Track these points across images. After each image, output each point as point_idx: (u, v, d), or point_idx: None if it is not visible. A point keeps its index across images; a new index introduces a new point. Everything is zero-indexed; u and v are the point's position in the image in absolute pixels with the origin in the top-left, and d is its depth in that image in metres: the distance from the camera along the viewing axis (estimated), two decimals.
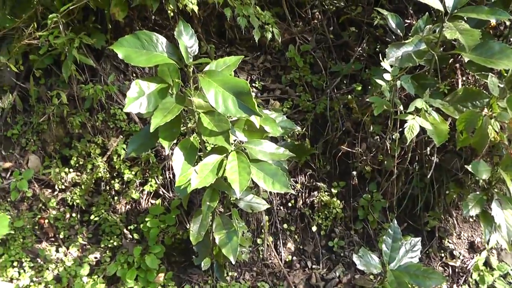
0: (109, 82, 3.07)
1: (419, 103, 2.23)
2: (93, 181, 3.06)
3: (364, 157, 2.98)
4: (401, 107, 2.39)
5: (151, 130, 1.85)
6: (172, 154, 2.03)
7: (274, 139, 2.86)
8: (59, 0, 2.99)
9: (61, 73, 3.02)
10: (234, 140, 2.17)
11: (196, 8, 2.90)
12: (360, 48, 3.38)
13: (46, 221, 3.01)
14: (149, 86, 1.97)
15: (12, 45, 3.20)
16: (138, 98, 1.93)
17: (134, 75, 3.33)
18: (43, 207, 3.08)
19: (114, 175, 3.06)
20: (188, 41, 2.01)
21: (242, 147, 2.09)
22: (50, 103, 3.14)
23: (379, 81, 2.28)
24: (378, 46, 3.44)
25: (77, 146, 3.10)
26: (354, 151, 3.02)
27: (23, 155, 3.29)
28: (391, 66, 2.33)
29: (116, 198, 3.04)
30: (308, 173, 3.14)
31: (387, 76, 2.27)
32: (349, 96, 3.16)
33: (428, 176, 2.86)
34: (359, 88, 3.21)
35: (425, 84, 2.49)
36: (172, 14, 3.02)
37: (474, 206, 2.47)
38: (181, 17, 3.21)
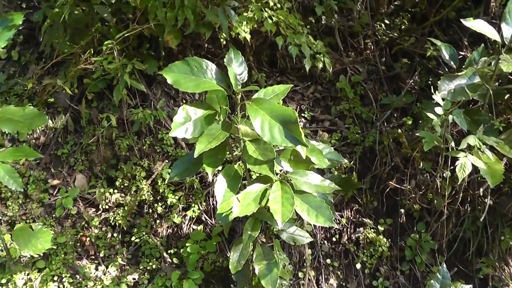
0: (159, 107, 3.12)
1: (471, 140, 2.10)
2: (137, 203, 3.08)
3: (413, 195, 2.84)
4: (453, 144, 2.27)
5: (195, 155, 1.84)
6: (215, 180, 2.00)
7: (320, 171, 2.78)
8: (115, 28, 3.11)
9: (113, 97, 3.10)
10: (280, 170, 2.12)
11: (248, 37, 2.93)
12: (412, 81, 3.29)
13: (88, 239, 3.04)
14: (196, 112, 1.97)
15: (69, 69, 3.35)
16: (184, 123, 1.92)
17: (184, 101, 3.38)
18: (86, 225, 3.12)
19: (158, 198, 3.07)
20: (237, 68, 2.01)
21: (287, 178, 2.03)
22: (100, 125, 3.23)
23: (430, 115, 2.18)
24: (430, 79, 3.33)
25: (123, 168, 3.15)
26: (402, 187, 2.89)
27: (71, 173, 3.37)
28: (443, 99, 2.22)
29: (158, 221, 3.04)
30: (354, 208, 3.03)
31: (439, 110, 2.17)
32: (399, 130, 3.06)
33: (481, 219, 2.69)
34: (410, 122, 3.10)
35: (479, 120, 2.36)
36: (224, 42, 3.07)
37: None
38: (233, 45, 3.26)
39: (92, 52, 3.12)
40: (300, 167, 2.10)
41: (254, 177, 2.50)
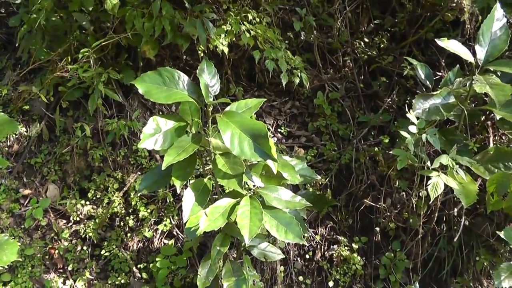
0: (134, 118, 3.07)
1: (444, 159, 2.10)
2: (108, 216, 3.01)
3: (389, 213, 2.83)
4: (428, 163, 2.27)
5: (163, 167, 1.80)
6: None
7: (296, 187, 2.76)
8: (93, 36, 3.07)
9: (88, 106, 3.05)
10: (253, 186, 2.09)
11: (226, 50, 2.92)
12: (389, 99, 3.30)
13: (57, 251, 2.96)
14: (166, 123, 1.94)
15: (46, 76, 3.29)
16: (154, 134, 1.89)
17: (161, 113, 3.34)
18: (56, 237, 3.04)
19: (130, 211, 3.01)
20: (209, 80, 1.99)
21: (257, 193, 2.00)
22: (75, 135, 3.17)
23: (404, 133, 2.17)
24: (408, 98, 3.35)
25: (96, 179, 3.08)
26: (378, 206, 2.88)
27: (43, 183, 3.29)
28: (418, 118, 2.22)
29: (129, 234, 2.97)
30: (329, 225, 3.00)
31: (413, 129, 2.16)
32: (376, 148, 3.06)
33: (456, 239, 2.68)
34: (387, 141, 3.10)
35: (453, 140, 2.37)
36: (202, 54, 3.05)
37: (507, 277, 2.25)
38: (212, 58, 3.24)
39: (70, 60, 3.08)
40: (272, 183, 2.07)
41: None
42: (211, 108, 1.93)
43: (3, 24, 3.78)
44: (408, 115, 2.16)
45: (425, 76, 2.44)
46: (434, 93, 2.27)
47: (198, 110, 2.09)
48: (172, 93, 1.93)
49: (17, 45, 3.36)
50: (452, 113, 2.26)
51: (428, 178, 2.37)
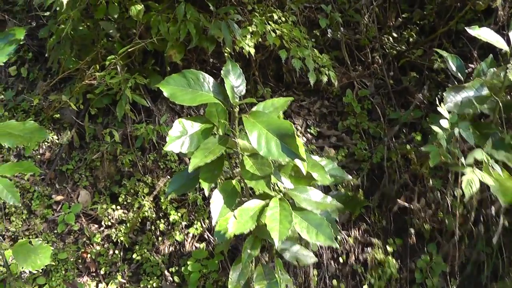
0: (162, 123, 3.08)
1: (479, 154, 2.00)
2: (139, 220, 3.02)
3: (423, 214, 2.73)
4: (462, 159, 2.16)
5: (190, 170, 1.77)
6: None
7: (327, 188, 2.70)
8: (120, 43, 3.10)
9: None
10: (283, 188, 2.04)
11: (253, 51, 2.89)
12: (420, 95, 3.20)
13: (89, 255, 2.99)
14: (193, 126, 1.91)
15: (75, 85, 3.35)
16: (180, 137, 1.87)
17: (188, 116, 3.34)
18: (88, 241, 3.07)
19: (160, 215, 3.01)
20: (235, 80, 1.95)
21: (287, 194, 1.95)
22: (104, 141, 3.20)
23: (436, 128, 2.08)
24: (440, 93, 3.24)
25: (126, 184, 3.10)
26: (412, 206, 2.78)
27: (75, 189, 3.34)
28: (449, 112, 2.12)
29: (160, 238, 2.97)
30: (362, 227, 2.92)
31: (444, 123, 2.07)
32: (408, 146, 2.97)
33: (495, 241, 2.55)
34: (419, 138, 3.00)
35: (488, 134, 2.24)
36: (228, 56, 3.03)
37: None
38: (238, 60, 3.22)
39: (98, 67, 3.12)
40: (301, 183, 2.03)
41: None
42: (237, 109, 1.90)
43: (34, 37, 3.87)
44: (439, 109, 2.07)
45: (457, 68, 2.32)
46: (466, 85, 2.16)
47: (224, 112, 2.06)
48: (197, 95, 1.90)
49: (47, 55, 3.43)
50: (486, 105, 2.15)
51: (463, 175, 2.28)
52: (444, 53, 2.33)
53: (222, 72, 1.96)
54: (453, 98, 2.15)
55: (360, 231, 2.92)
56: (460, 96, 2.16)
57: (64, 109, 3.50)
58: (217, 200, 1.86)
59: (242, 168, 1.87)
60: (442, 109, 2.07)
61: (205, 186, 1.87)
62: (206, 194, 1.86)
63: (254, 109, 2.00)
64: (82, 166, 3.35)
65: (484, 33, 2.10)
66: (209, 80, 1.94)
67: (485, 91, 2.15)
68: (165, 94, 1.90)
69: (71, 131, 3.48)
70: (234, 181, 1.94)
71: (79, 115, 3.45)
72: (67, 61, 3.28)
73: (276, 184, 2.15)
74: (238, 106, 1.90)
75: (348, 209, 2.56)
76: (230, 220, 1.83)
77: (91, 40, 3.31)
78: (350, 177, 2.23)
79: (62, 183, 3.37)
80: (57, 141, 3.49)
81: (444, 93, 2.18)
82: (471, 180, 2.00)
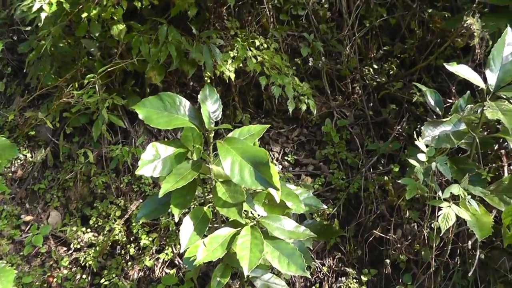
0: (138, 145, 3.03)
1: (455, 189, 1.99)
2: (109, 244, 2.93)
3: (399, 245, 2.70)
4: (440, 193, 2.16)
5: (160, 195, 1.73)
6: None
7: (302, 217, 2.67)
8: (100, 62, 3.07)
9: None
10: (258, 215, 2.01)
11: (233, 76, 2.89)
12: (399, 127, 3.22)
13: (55, 280, 2.88)
14: (166, 150, 1.88)
15: (52, 102, 3.29)
16: (153, 161, 1.83)
17: (165, 139, 3.30)
18: (55, 264, 2.97)
19: (131, 239, 2.94)
20: (211, 105, 1.93)
21: (259, 222, 1.92)
22: (78, 161, 3.13)
23: (413, 162, 2.08)
24: (418, 126, 3.26)
25: (98, 206, 3.03)
26: (388, 237, 2.76)
27: (46, 210, 3.25)
28: (427, 146, 2.13)
29: (130, 263, 2.89)
30: (336, 256, 2.88)
31: (422, 157, 2.07)
32: (386, 177, 2.96)
33: (471, 274, 2.54)
34: (397, 170, 3.00)
35: (465, 169, 2.25)
36: (209, 81, 3.02)
37: None
38: (220, 85, 3.21)
39: (77, 86, 3.07)
40: (275, 212, 1.99)
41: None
42: (212, 134, 1.87)
43: (14, 51, 3.82)
44: (417, 142, 2.08)
45: (435, 102, 2.35)
46: (444, 120, 2.18)
47: (200, 137, 2.03)
48: (173, 119, 1.88)
49: (26, 71, 3.38)
50: (463, 141, 2.16)
51: (440, 209, 2.27)
52: (423, 88, 2.35)
53: (199, 96, 1.94)
54: (431, 132, 2.16)
55: (335, 260, 2.88)
56: (438, 131, 2.17)
57: (40, 126, 3.43)
58: (187, 227, 1.82)
59: (214, 194, 1.83)
60: (420, 142, 2.08)
61: (175, 212, 1.82)
62: (176, 220, 1.81)
63: (229, 135, 1.98)
64: (55, 186, 3.27)
65: (462, 70, 2.14)
66: (185, 104, 1.92)
67: (462, 127, 2.17)
68: (140, 116, 1.88)
69: (45, 149, 3.40)
70: (205, 208, 1.90)
71: (55, 133, 3.38)
72: (46, 78, 3.23)
73: (250, 212, 2.12)
74: (213, 132, 1.88)
75: (322, 239, 2.52)
76: (199, 248, 1.78)
77: (72, 58, 3.28)
78: (325, 206, 2.20)
79: (33, 202, 3.28)
80: (30, 159, 3.40)
81: (422, 127, 2.19)
82: (448, 215, 1.99)
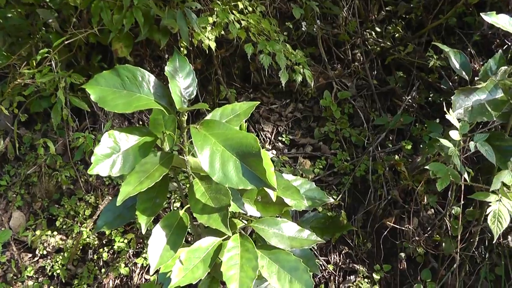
0: (104, 131, 2.58)
1: (507, 177, 1.57)
2: (80, 248, 2.52)
3: (416, 237, 2.31)
4: (465, 175, 1.74)
5: (118, 201, 1.31)
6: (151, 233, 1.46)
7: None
8: (57, 34, 2.59)
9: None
10: (243, 215, 1.60)
11: (213, 45, 2.43)
12: (409, 97, 2.80)
13: None
14: (128, 139, 1.45)
15: (7, 85, 2.83)
16: (110, 155, 1.40)
17: (141, 122, 2.86)
18: (19, 275, 2.56)
19: (104, 242, 2.52)
20: (183, 80, 1.49)
21: (249, 228, 1.51)
22: (39, 153, 2.69)
23: (445, 142, 1.64)
24: (431, 95, 2.85)
25: (65, 204, 2.61)
26: (403, 228, 2.37)
27: (8, 209, 2.82)
28: (459, 120, 1.70)
29: (103, 270, 2.48)
30: (343, 251, 2.48)
31: (455, 135, 1.64)
32: (396, 157, 2.56)
33: (501, 267, 2.16)
34: (409, 147, 2.60)
35: (501, 148, 1.81)
36: (185, 52, 2.57)
37: None
38: (200, 57, 2.76)
39: (34, 64, 2.61)
40: (270, 211, 1.58)
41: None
42: (185, 118, 1.44)
43: None
44: (448, 116, 1.64)
45: (461, 65, 1.90)
46: (478, 86, 1.74)
47: (173, 120, 1.61)
48: (134, 99, 1.43)
49: None
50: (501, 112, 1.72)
51: (464, 191, 1.88)
52: (446, 48, 1.91)
53: (166, 69, 1.49)
54: (463, 103, 1.72)
55: (342, 256, 2.49)
56: (470, 101, 1.73)
57: None
58: (157, 239, 1.40)
59: (190, 196, 1.41)
60: (451, 116, 1.64)
61: (142, 220, 1.40)
62: (143, 231, 1.39)
63: (208, 117, 1.55)
64: (17, 182, 2.83)
65: (503, 21, 1.69)
66: (149, 79, 1.47)
67: (499, 94, 1.73)
68: (92, 97, 1.43)
69: (4, 140, 2.95)
70: (182, 212, 1.48)
71: (15, 121, 2.92)
72: None
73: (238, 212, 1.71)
74: (186, 114, 1.45)
75: (328, 235, 2.12)
76: (174, 267, 1.37)
77: (27, 32, 2.80)
78: (331, 199, 1.79)
79: None
80: None
81: (453, 97, 1.74)
82: (499, 213, 1.57)
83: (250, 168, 1.25)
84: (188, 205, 1.51)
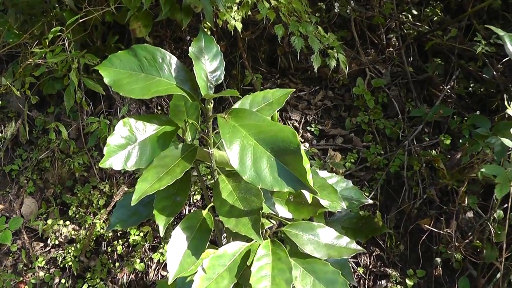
0: (120, 116, 2.43)
1: None
2: (93, 239, 2.39)
3: (455, 243, 2.11)
4: None
5: (133, 200, 1.14)
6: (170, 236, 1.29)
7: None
8: (71, 12, 2.43)
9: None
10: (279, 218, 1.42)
11: (240, 26, 2.24)
12: (448, 87, 2.58)
13: (26, 287, 2.35)
14: (145, 128, 1.27)
15: (19, 65, 2.69)
16: (125, 146, 1.23)
17: (159, 107, 2.69)
18: (30, 265, 2.44)
19: (119, 234, 2.38)
20: (209, 63, 1.31)
21: (282, 233, 1.33)
22: (56, 137, 2.55)
23: (507, 142, 1.44)
24: (471, 85, 2.62)
25: (78, 193, 2.47)
26: (439, 231, 2.17)
27: (20, 195, 2.70)
28: None
29: (117, 264, 2.34)
30: (374, 254, 2.30)
31: None
32: (434, 152, 2.35)
33: None
34: (448, 142, 2.39)
35: None
36: (209, 33, 2.38)
37: None
38: (224, 39, 2.58)
39: (47, 43, 2.45)
40: (304, 213, 1.40)
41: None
42: (211, 105, 1.26)
43: None
44: (509, 111, 1.43)
45: None
46: None
47: (196, 107, 1.44)
48: (153, 83, 1.26)
49: None
50: None
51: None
52: (501, 32, 1.69)
53: (191, 50, 1.31)
54: None
55: (372, 259, 2.30)
56: None
57: (9, 94, 2.84)
58: (177, 244, 1.23)
59: (215, 195, 1.24)
60: None
61: (160, 220, 1.24)
62: (161, 233, 1.22)
63: (237, 104, 1.37)
64: (30, 167, 2.71)
65: None
66: (170, 61, 1.29)
67: None
68: (106, 81, 1.26)
69: (16, 122, 2.83)
70: (205, 212, 1.31)
71: (25, 103, 2.78)
72: (8, 34, 2.61)
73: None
74: (212, 102, 1.27)
75: (361, 237, 1.94)
76: (196, 276, 1.20)
77: (41, 9, 2.65)
78: (369, 200, 1.60)
79: (4, 187, 2.73)
80: (0, 134, 2.83)
81: None
82: None
83: (287, 167, 1.07)
84: (212, 204, 1.34)
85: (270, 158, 1.09)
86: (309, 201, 1.32)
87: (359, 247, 1.33)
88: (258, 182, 1.07)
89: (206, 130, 1.31)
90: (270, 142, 1.10)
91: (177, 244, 1.22)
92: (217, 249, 1.39)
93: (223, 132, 1.14)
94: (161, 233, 1.22)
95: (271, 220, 1.50)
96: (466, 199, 2.14)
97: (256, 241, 1.27)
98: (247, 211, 1.17)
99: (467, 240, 2.08)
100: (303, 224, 1.34)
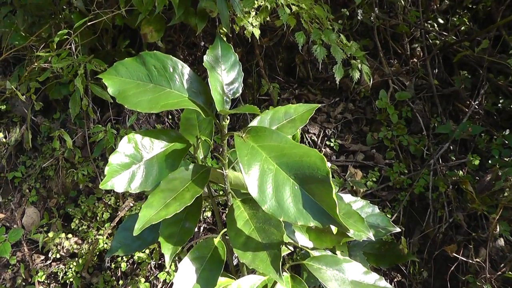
0: (129, 126, 2.31)
1: None
2: (96, 254, 2.26)
3: (487, 274, 1.94)
4: None
5: (136, 230, 1.00)
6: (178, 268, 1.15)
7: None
8: (80, 15, 2.31)
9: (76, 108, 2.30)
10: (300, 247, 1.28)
11: (257, 33, 2.11)
12: (476, 102, 2.42)
13: None
14: (152, 145, 1.14)
15: (24, 68, 2.59)
16: (129, 166, 1.10)
17: (170, 117, 2.57)
18: (29, 279, 2.31)
19: None
20: (225, 74, 1.17)
21: (303, 265, 1.19)
22: (61, 145, 2.44)
23: None
24: (500, 101, 2.46)
25: (81, 205, 2.34)
26: (468, 260, 2.00)
27: (22, 204, 2.58)
28: None
29: (121, 282, 2.21)
30: (395, 280, 2.14)
31: None
32: (461, 172, 2.19)
33: None
34: (476, 162, 2.22)
35: None
36: (225, 39, 2.25)
37: None
38: (240, 46, 2.45)
39: (55, 46, 2.34)
40: (326, 242, 1.25)
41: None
42: (227, 122, 1.12)
43: None
44: None
45: None
46: None
47: (210, 122, 1.31)
48: (162, 95, 1.12)
49: None
50: None
51: None
52: None
53: (205, 58, 1.18)
54: None
55: (394, 285, 2.14)
56: None
57: (14, 99, 2.74)
58: (185, 277, 1.09)
59: (229, 224, 1.10)
60: None
61: (166, 249, 1.10)
62: (167, 265, 1.08)
63: (255, 121, 1.23)
64: (33, 175, 2.59)
65: None
66: (182, 71, 1.16)
67: None
68: (110, 91, 1.13)
69: (21, 128, 2.72)
70: (216, 240, 1.16)
71: (29, 108, 2.67)
72: (14, 36, 2.50)
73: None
74: (228, 117, 1.13)
75: (383, 264, 1.79)
76: None
77: (50, 11, 2.54)
78: (397, 228, 1.45)
79: (7, 195, 2.62)
80: (3, 140, 2.73)
81: None
82: None
83: (313, 198, 0.93)
84: (225, 230, 1.20)
85: (294, 187, 0.94)
86: (334, 231, 1.17)
87: (388, 285, 1.17)
88: (280, 214, 0.93)
89: (221, 150, 1.17)
90: (294, 168, 0.96)
91: (185, 277, 1.08)
92: (230, 277, 1.26)
93: (240, 154, 1.00)
94: (167, 265, 1.08)
95: (288, 245, 1.36)
96: (498, 226, 1.97)
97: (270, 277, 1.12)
98: (266, 244, 1.02)
99: (499, 272, 1.90)
100: (327, 257, 1.19)
